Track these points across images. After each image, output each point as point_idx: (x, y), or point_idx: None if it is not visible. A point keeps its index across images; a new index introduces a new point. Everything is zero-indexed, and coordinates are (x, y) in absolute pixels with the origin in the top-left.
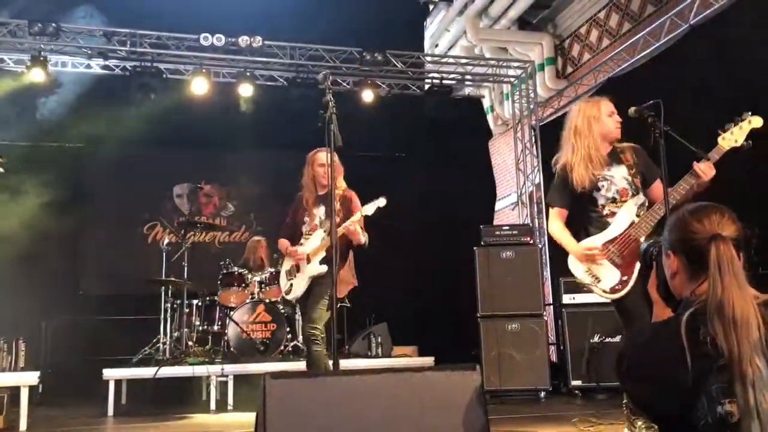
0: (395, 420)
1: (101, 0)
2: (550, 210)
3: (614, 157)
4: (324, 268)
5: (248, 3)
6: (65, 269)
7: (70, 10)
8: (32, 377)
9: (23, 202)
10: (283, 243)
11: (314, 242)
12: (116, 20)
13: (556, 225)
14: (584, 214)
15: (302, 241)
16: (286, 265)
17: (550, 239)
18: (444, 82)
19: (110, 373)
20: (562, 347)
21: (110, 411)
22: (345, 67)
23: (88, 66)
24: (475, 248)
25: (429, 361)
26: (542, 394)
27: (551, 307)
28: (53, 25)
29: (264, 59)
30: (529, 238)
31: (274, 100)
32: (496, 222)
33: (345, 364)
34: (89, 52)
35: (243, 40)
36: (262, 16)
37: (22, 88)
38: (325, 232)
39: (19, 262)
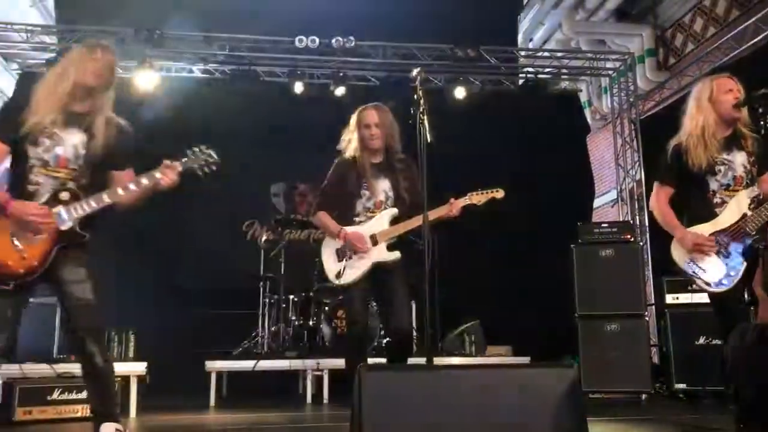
0: (490, 415)
1: (201, 6)
2: (655, 185)
3: (735, 142)
4: (395, 255)
5: (341, 4)
6: (172, 266)
7: (173, 17)
8: (141, 367)
9: (142, 203)
10: (327, 219)
11: (382, 222)
12: (215, 25)
13: (662, 203)
14: (691, 198)
15: (361, 218)
16: (333, 243)
17: (652, 235)
18: (539, 76)
19: (212, 365)
20: (664, 349)
21: (212, 401)
22: (437, 64)
23: (190, 71)
24: (572, 246)
25: (524, 361)
26: (644, 396)
27: (653, 307)
28: (158, 32)
29: (357, 59)
30: (629, 236)
31: (366, 99)
32: (594, 220)
33: (438, 361)
34: (190, 57)
35: (336, 41)
36: (355, 17)
37: (128, 93)
38: (396, 209)
39: (126, 257)
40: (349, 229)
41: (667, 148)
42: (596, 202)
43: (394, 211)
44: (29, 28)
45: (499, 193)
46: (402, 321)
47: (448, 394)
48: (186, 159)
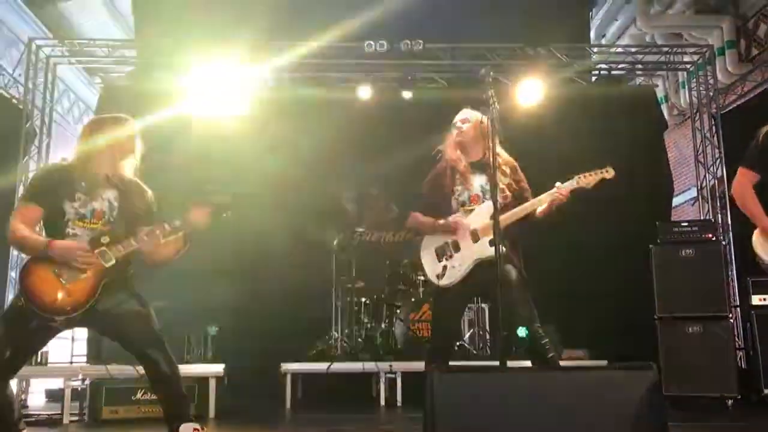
0: (566, 419)
1: (271, 15)
2: (740, 169)
3: None
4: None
5: (409, 8)
6: (247, 270)
7: (244, 26)
8: (219, 368)
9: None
10: (419, 217)
11: (482, 216)
12: (286, 33)
13: (745, 187)
14: None
15: (456, 215)
16: (433, 241)
17: (736, 234)
18: (613, 73)
19: (287, 367)
20: (751, 352)
21: (287, 403)
22: (507, 63)
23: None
24: (651, 246)
25: (601, 364)
26: (730, 402)
27: (738, 309)
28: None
29: (425, 62)
30: (711, 235)
31: (435, 102)
32: (673, 219)
33: (513, 365)
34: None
35: (405, 45)
36: (423, 19)
37: None
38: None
39: (209, 264)
40: (467, 221)
41: (758, 134)
42: (675, 201)
43: (489, 204)
44: (110, 43)
45: (609, 173)
46: (527, 310)
47: (521, 397)
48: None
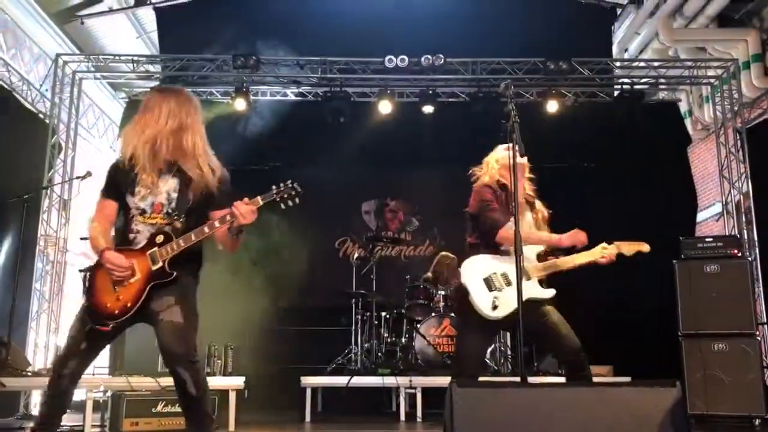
0: None
1: (294, 31)
2: None
3: None
4: (551, 292)
5: (429, 23)
6: (268, 283)
7: (267, 42)
8: (239, 381)
9: None
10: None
11: (529, 256)
12: (308, 49)
13: None
14: None
15: (504, 247)
16: (479, 269)
17: (763, 250)
18: (635, 87)
19: (307, 381)
20: None
21: (307, 417)
22: (528, 78)
23: (284, 94)
24: (674, 262)
25: (625, 381)
26: (757, 422)
27: (765, 326)
28: (254, 57)
29: (446, 76)
30: (736, 251)
31: (456, 116)
32: (698, 234)
33: (534, 381)
34: (284, 81)
35: (425, 59)
36: (443, 34)
37: (227, 116)
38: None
39: (229, 277)
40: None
41: None
42: (699, 216)
43: (539, 247)
44: (135, 58)
45: (645, 247)
46: (576, 342)
47: (542, 413)
48: (267, 194)
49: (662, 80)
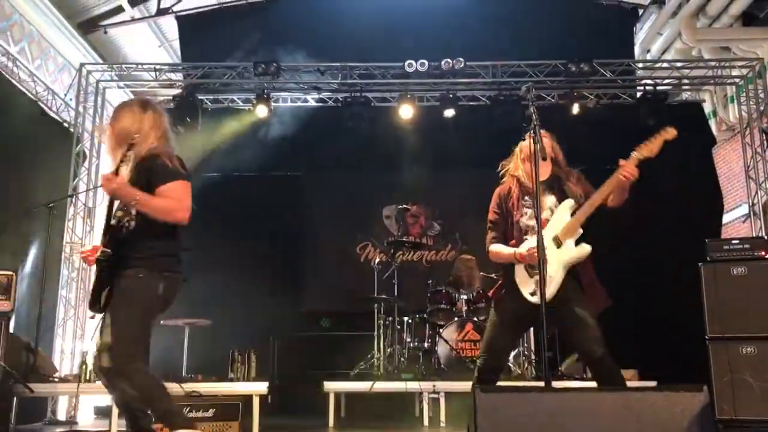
0: None
1: (314, 37)
2: None
3: None
4: (585, 249)
5: (449, 26)
6: (289, 288)
7: (288, 49)
8: (263, 387)
9: (252, 228)
10: (500, 248)
11: (561, 218)
12: (328, 55)
13: None
14: None
15: (528, 236)
16: (522, 268)
17: None
18: (658, 88)
19: (330, 386)
20: None
21: (330, 422)
22: (549, 80)
23: (305, 100)
24: (700, 264)
25: (651, 385)
26: None
27: None
28: (274, 64)
29: (466, 80)
30: (764, 253)
31: (477, 120)
32: (724, 236)
33: (558, 385)
34: (305, 87)
35: (445, 63)
36: (463, 38)
37: (248, 123)
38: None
39: (253, 283)
40: (523, 247)
41: None
42: (725, 218)
43: (571, 201)
44: (157, 66)
45: (670, 133)
46: (599, 343)
47: (566, 418)
48: None
49: (686, 81)
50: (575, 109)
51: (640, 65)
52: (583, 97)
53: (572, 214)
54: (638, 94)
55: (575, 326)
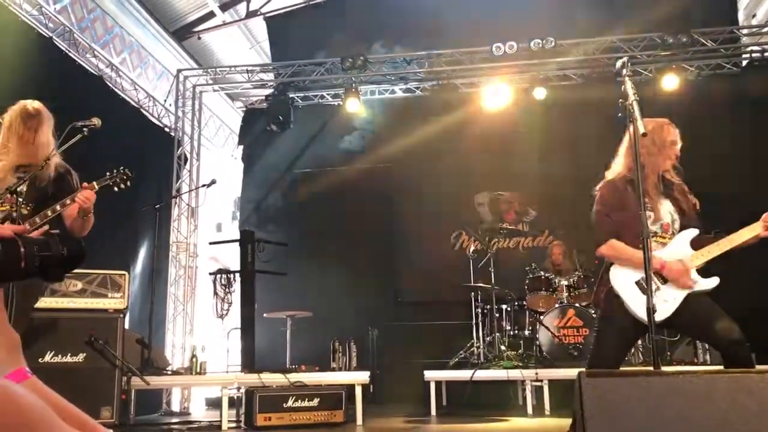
0: (727, 424)
1: (399, 28)
2: None
3: None
4: (713, 281)
5: (535, 5)
6: (386, 279)
7: (373, 41)
8: (364, 376)
9: (346, 220)
10: (623, 247)
11: (683, 245)
12: (413, 45)
13: None
14: None
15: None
16: (629, 272)
17: None
18: (766, 55)
19: (431, 375)
20: None
21: (433, 410)
22: (646, 54)
23: (392, 91)
24: None
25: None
26: None
27: None
28: (361, 57)
29: (557, 59)
30: None
31: (570, 99)
32: None
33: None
34: (392, 78)
35: (535, 44)
36: (551, 16)
37: (338, 118)
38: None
39: (349, 275)
40: (665, 257)
41: None
42: None
43: (695, 231)
44: (249, 68)
45: None
46: (737, 331)
47: (678, 401)
48: (102, 179)
49: None
50: (674, 82)
51: (745, 32)
52: (683, 69)
53: (692, 245)
54: (744, 63)
55: (704, 319)
